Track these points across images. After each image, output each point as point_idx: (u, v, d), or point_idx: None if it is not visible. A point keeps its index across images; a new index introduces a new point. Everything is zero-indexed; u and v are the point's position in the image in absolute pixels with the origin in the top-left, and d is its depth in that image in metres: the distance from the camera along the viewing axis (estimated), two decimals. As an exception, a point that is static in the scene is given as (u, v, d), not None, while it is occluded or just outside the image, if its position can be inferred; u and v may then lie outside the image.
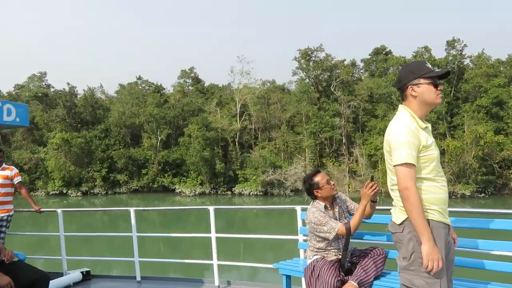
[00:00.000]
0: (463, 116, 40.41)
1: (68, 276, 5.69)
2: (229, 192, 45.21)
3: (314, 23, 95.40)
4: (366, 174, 42.21)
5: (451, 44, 46.25)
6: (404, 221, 2.49)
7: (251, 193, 42.90)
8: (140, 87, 60.01)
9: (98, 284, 5.68)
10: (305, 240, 4.53)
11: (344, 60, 48.21)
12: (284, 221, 24.29)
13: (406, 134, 2.42)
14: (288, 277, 4.10)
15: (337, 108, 44.39)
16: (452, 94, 45.61)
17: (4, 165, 6.29)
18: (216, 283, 5.28)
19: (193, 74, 63.68)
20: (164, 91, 58.76)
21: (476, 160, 35.82)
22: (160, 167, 47.26)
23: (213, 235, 5.30)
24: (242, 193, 43.83)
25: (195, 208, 6.52)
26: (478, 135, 34.75)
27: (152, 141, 47.52)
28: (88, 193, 46.37)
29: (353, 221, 3.55)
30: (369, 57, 49.73)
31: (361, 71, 50.40)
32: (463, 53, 46.46)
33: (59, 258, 6.06)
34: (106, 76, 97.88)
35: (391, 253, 3.68)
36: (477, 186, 36.98)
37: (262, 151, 44.56)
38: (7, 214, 6.11)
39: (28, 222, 25.92)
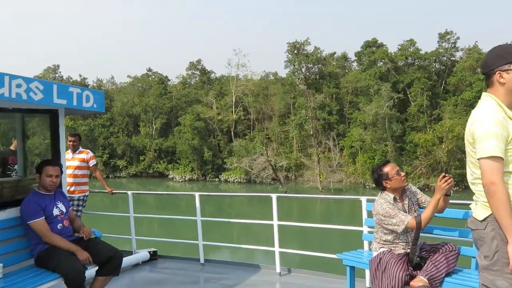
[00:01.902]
0: (444, 110, 40.37)
1: (137, 255, 5.88)
2: (216, 179, 47.55)
3: (316, 15, 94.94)
4: (345, 165, 43.17)
5: (443, 36, 45.80)
6: (487, 217, 2.28)
7: (235, 180, 44.98)
8: (150, 78, 63.27)
9: (165, 264, 5.88)
10: (370, 232, 4.45)
11: (334, 53, 48.93)
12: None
13: (492, 124, 2.19)
14: (352, 268, 4.05)
15: (321, 100, 45.36)
16: (442, 87, 45.38)
17: (80, 149, 6.63)
18: (277, 269, 5.30)
19: (200, 66, 66.19)
20: (169, 82, 61.74)
21: (447, 154, 36.01)
22: (156, 154, 50.29)
23: (275, 222, 5.29)
24: (228, 180, 46.05)
25: (257, 195, 6.76)
26: (448, 128, 34.94)
27: (148, 129, 50.56)
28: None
29: (425, 214, 3.42)
30: (360, 49, 50.00)
31: (353, 64, 50.85)
32: (457, 45, 45.97)
33: (128, 238, 6.23)
34: (126, 70, 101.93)
35: (464, 249, 3.51)
36: (454, 179, 37.18)
37: (241, 140, 46.36)
38: (83, 194, 6.45)
39: (101, 202, 28.34)
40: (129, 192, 6.17)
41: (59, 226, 3.94)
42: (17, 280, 3.49)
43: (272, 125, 49.93)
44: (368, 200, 4.58)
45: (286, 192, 35.63)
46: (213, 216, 23.60)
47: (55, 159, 4.37)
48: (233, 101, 52.87)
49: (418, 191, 3.77)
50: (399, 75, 43.35)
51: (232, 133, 51.91)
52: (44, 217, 3.87)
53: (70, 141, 6.48)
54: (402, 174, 3.68)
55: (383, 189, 3.68)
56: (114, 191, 6.54)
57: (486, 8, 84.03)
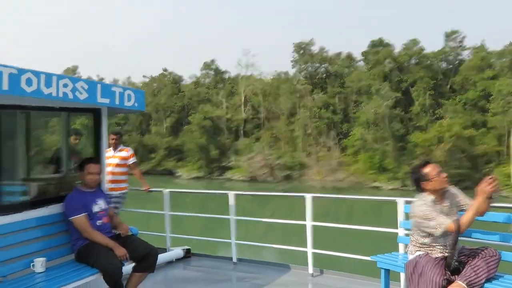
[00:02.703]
0: (446, 110, 40.14)
1: (171, 252, 5.91)
2: (221, 177, 48.90)
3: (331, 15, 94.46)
4: (347, 164, 43.51)
5: (449, 35, 45.36)
6: None
7: (239, 178, 46.16)
8: (165, 78, 65.25)
9: (198, 262, 5.92)
10: (406, 234, 4.33)
11: (340, 53, 49.28)
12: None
13: None
14: (387, 271, 3.98)
15: (325, 100, 45.87)
16: (448, 86, 44.97)
17: (121, 146, 6.64)
18: (310, 270, 5.24)
19: (214, 66, 67.65)
20: (182, 82, 63.57)
21: (445, 154, 35.90)
22: (166, 152, 52.14)
23: (308, 223, 5.17)
24: (232, 178, 47.29)
25: (292, 194, 6.87)
26: (446, 128, 34.88)
27: (158, 128, 52.47)
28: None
29: (465, 218, 3.27)
30: (367, 49, 50.10)
31: (360, 63, 51.00)
32: (463, 44, 45.44)
33: (163, 235, 6.24)
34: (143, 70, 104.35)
35: (505, 254, 3.39)
36: (450, 179, 36.97)
37: (245, 139, 47.40)
38: (122, 192, 6.45)
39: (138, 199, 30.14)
40: (165, 191, 6.22)
41: (98, 222, 4.02)
42: (59, 274, 3.60)
43: (279, 124, 50.79)
44: (406, 202, 4.46)
45: (284, 191, 36.33)
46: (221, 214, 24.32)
47: (97, 157, 4.46)
48: (242, 100, 54.02)
49: (459, 193, 3.56)
50: (403, 74, 43.32)
51: (241, 132, 53.11)
52: (85, 213, 3.95)
53: (112, 139, 6.52)
54: (444, 175, 3.47)
55: (422, 190, 3.50)
56: (150, 189, 6.57)
57: (493, 7, 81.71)
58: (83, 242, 3.92)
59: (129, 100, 4.28)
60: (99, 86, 3.93)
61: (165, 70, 66.13)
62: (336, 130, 46.55)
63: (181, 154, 52.02)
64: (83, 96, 3.72)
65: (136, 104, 4.36)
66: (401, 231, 4.46)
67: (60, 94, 3.52)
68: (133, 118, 55.47)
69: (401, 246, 4.41)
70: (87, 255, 3.83)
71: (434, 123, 39.35)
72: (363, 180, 41.75)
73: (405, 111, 42.70)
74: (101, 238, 3.90)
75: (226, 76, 65.72)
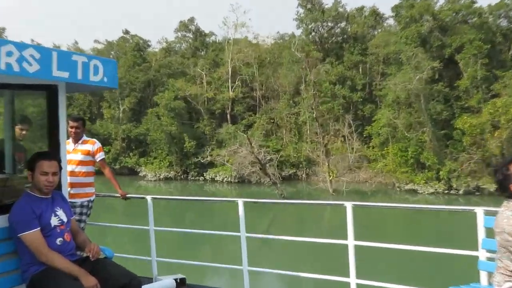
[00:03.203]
0: (504, 84, 39.65)
1: (160, 283, 5.75)
2: (201, 178, 48.57)
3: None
4: (372, 160, 43.33)
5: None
6: None
7: (224, 179, 45.83)
8: (126, 44, 64.64)
9: None
10: (490, 259, 4.34)
11: (362, 8, 48.67)
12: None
13: None
14: None
15: (341, 72, 45.41)
16: (510, 53, 44.49)
17: (84, 138, 6.72)
18: None
19: (193, 27, 66.95)
20: (148, 49, 62.97)
21: (501, 145, 35.54)
22: (124, 144, 51.74)
23: (351, 242, 5.14)
24: (216, 179, 46.92)
25: (328, 203, 6.64)
26: (500, 109, 34.50)
27: (113, 111, 52.04)
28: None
29: None
30: (398, 3, 49.47)
31: (387, 21, 50.47)
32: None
33: (147, 259, 6.28)
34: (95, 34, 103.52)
35: None
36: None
37: (230, 126, 47.14)
38: (88, 199, 6.53)
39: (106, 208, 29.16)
40: (148, 197, 6.19)
41: (58, 240, 3.97)
42: None
43: (279, 105, 50.41)
44: (486, 213, 4.44)
45: (282, 196, 36.07)
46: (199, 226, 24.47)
47: (52, 152, 4.39)
48: (229, 73, 53.58)
49: None
50: (446, 36, 42.83)
51: (228, 116, 52.74)
52: (39, 228, 3.88)
53: (71, 128, 6.54)
54: None
55: (511, 196, 3.49)
56: (128, 196, 6.67)
57: None
58: (38, 268, 3.89)
59: (96, 73, 4.34)
60: (54, 54, 3.92)
61: (126, 32, 65.64)
62: (355, 113, 46.21)
63: (144, 146, 51.62)
64: (33, 68, 3.71)
65: (105, 79, 4.43)
66: (482, 254, 4.42)
67: (2, 66, 3.49)
68: (80, 98, 55.01)
69: (483, 275, 4.41)
70: (44, 285, 3.78)
71: (489, 102, 38.91)
72: (393, 180, 41.54)
73: (450, 87, 42.32)
74: (62, 263, 3.88)
75: (210, 40, 65.21)
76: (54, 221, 3.99)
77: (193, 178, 48.72)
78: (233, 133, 42.05)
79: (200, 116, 52.23)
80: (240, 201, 5.79)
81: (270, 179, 36.94)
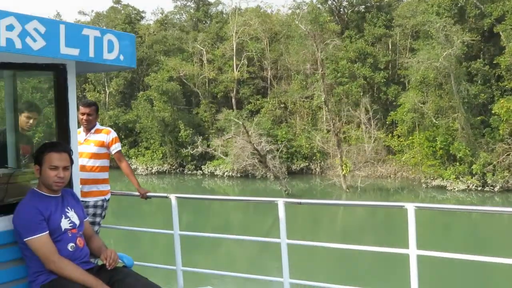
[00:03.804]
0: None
1: None
2: (199, 172, 51.39)
3: None
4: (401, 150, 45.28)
5: None
6: None
7: (225, 173, 48.54)
8: (117, 16, 66.89)
9: None
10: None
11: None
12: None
13: None
14: None
15: (361, 48, 47.41)
16: None
17: (98, 126, 7.01)
18: None
19: (196, -6, 68.38)
20: (141, 22, 65.52)
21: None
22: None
23: (413, 251, 5.18)
24: (215, 173, 49.49)
25: (387, 204, 7.41)
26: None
27: (98, 95, 55.01)
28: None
29: None
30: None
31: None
32: None
33: (171, 268, 6.48)
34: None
35: None
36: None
37: (230, 112, 49.37)
38: (102, 198, 6.82)
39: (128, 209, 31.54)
40: (172, 196, 6.38)
41: (70, 246, 4.15)
42: None
43: (291, 87, 52.63)
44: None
45: (287, 193, 38.35)
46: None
47: (63, 142, 4.59)
48: (234, 50, 55.81)
49: None
50: (484, 5, 44.21)
51: (233, 100, 55.25)
52: (48, 231, 4.04)
53: (82, 114, 6.79)
54: None
55: None
56: (148, 194, 6.92)
57: None
58: (47, 277, 4.03)
59: (110, 50, 4.41)
60: (62, 28, 3.96)
61: (117, 2, 67.55)
62: (378, 96, 48.28)
63: (135, 136, 54.63)
64: (38, 44, 3.76)
65: (121, 57, 4.51)
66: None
67: (1, 42, 3.54)
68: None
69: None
70: None
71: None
72: (417, 175, 43.45)
73: (490, 65, 43.66)
74: (74, 272, 4.02)
75: (215, 9, 66.68)
76: (65, 224, 4.12)
77: (189, 172, 51.31)
78: (233, 119, 44.09)
79: (199, 100, 54.97)
80: (281, 202, 5.79)
81: (272, 173, 39.20)
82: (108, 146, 6.86)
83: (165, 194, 6.63)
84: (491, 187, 39.80)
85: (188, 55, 57.05)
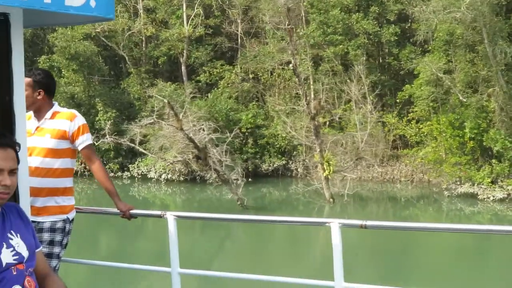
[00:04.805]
0: None
1: None
2: (126, 174, 51.21)
3: None
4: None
5: None
6: None
7: (163, 177, 48.31)
8: None
9: None
10: None
11: None
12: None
13: None
14: None
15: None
16: None
17: (56, 108, 6.76)
18: None
19: None
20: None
21: None
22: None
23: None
24: (149, 176, 48.82)
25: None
26: None
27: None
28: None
29: None
30: None
31: None
32: None
33: (167, 271, 6.52)
34: None
35: None
36: None
37: (169, 84, 48.76)
38: (64, 217, 6.59)
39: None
40: (169, 215, 6.41)
41: None
42: None
43: (262, 50, 51.89)
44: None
45: (241, 205, 37.52)
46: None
47: (5, 132, 4.37)
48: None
49: None
50: None
51: (182, 68, 54.67)
52: None
53: (28, 89, 6.25)
54: None
55: None
56: (133, 212, 6.80)
57: None
58: None
59: None
60: None
61: None
62: (389, 65, 47.58)
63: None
64: None
65: (92, 3, 4.66)
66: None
67: None
68: None
69: None
70: None
71: None
72: (440, 178, 42.85)
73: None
74: None
75: None
76: (6, 257, 3.93)
77: (112, 174, 50.27)
78: (156, 96, 43.21)
79: (130, 69, 54.46)
80: (335, 224, 5.69)
81: (218, 175, 38.49)
82: (72, 139, 6.53)
83: (158, 212, 6.62)
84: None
85: (116, 2, 56.12)
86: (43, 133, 6.49)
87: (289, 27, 40.18)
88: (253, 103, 51.67)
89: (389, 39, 46.99)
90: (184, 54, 54.36)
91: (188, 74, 54.21)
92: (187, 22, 54.68)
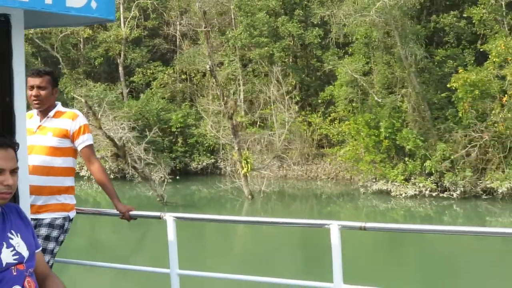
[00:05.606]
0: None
1: None
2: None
3: None
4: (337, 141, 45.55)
5: None
6: None
7: (88, 174, 48.17)
8: None
9: None
10: None
11: None
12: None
13: None
14: None
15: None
16: None
17: (59, 108, 6.77)
18: None
19: None
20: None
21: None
22: None
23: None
24: (80, 174, 48.98)
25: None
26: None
27: None
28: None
29: None
30: None
31: None
32: None
33: (166, 272, 6.51)
34: None
35: None
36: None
37: (98, 85, 49.44)
38: (64, 215, 6.58)
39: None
40: (168, 216, 6.40)
41: None
42: None
43: (196, 51, 52.90)
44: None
45: (161, 202, 38.37)
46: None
47: (6, 132, 4.46)
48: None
49: None
50: None
51: (120, 69, 55.71)
52: None
53: (31, 89, 6.47)
54: None
55: None
56: (133, 214, 6.81)
57: None
58: None
59: None
60: None
61: None
62: (312, 67, 48.75)
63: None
64: None
65: (93, 4, 4.66)
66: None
67: None
68: None
69: None
70: None
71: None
72: (355, 175, 44.12)
73: (460, 17, 43.86)
74: None
75: None
76: (6, 256, 3.93)
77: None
78: (76, 96, 43.55)
79: (63, 70, 54.80)
80: (334, 226, 5.65)
81: (137, 172, 39.33)
82: (73, 138, 6.59)
83: (157, 214, 6.57)
84: (450, 192, 39.91)
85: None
86: (45, 132, 6.52)
87: (205, 29, 41.25)
88: (186, 103, 52.54)
89: (313, 41, 47.86)
90: (122, 56, 55.14)
91: (126, 75, 54.97)
92: (124, 24, 55.46)
